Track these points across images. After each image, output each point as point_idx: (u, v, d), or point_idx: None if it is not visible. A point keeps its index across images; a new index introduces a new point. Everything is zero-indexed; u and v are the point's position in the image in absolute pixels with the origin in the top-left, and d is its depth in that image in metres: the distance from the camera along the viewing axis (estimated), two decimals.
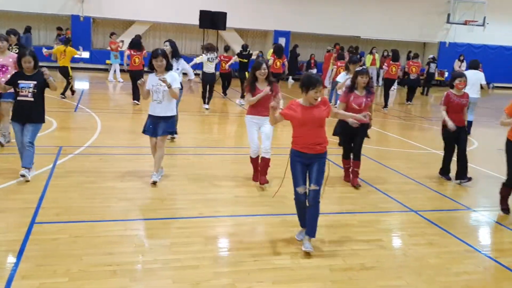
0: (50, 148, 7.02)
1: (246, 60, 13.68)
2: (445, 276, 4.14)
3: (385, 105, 14.53)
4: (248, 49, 14.07)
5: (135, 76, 11.08)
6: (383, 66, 14.29)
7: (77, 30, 18.78)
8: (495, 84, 22.42)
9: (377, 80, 21.78)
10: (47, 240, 4.19)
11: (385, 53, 21.19)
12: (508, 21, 23.62)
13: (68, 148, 7.21)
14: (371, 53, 21.12)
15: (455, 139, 6.87)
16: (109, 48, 16.61)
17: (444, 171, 7.13)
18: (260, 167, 6.12)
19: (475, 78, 10.60)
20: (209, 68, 11.82)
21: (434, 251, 4.65)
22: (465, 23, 22.59)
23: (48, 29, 19.67)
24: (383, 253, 4.50)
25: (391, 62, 14.88)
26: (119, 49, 16.42)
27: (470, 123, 10.79)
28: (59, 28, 18.29)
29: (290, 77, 20.32)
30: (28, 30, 17.17)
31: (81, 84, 15.39)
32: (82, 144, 7.59)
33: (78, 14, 18.79)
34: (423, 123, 12.68)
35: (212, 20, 17.78)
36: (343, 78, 8.85)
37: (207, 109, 11.91)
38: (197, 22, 17.92)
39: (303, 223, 4.48)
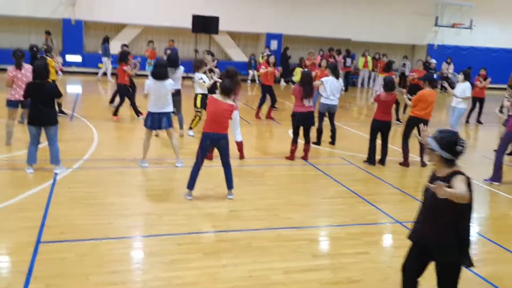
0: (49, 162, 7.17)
1: None
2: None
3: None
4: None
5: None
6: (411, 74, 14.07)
7: (69, 34, 18.87)
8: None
9: (368, 82, 22.16)
10: (54, 260, 4.44)
11: (377, 56, 21.49)
12: (493, 23, 24.10)
13: (66, 162, 7.35)
14: (363, 55, 21.47)
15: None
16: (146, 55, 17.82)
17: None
18: None
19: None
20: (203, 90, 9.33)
21: None
22: (452, 26, 23.01)
23: (39, 33, 19.64)
24: (369, 266, 4.80)
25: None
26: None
27: None
28: (48, 32, 17.62)
29: (282, 80, 20.55)
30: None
31: (74, 88, 15.49)
32: (80, 157, 7.80)
33: (69, 17, 18.82)
34: None
35: (205, 24, 18.07)
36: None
37: None
38: (189, 25, 18.19)
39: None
